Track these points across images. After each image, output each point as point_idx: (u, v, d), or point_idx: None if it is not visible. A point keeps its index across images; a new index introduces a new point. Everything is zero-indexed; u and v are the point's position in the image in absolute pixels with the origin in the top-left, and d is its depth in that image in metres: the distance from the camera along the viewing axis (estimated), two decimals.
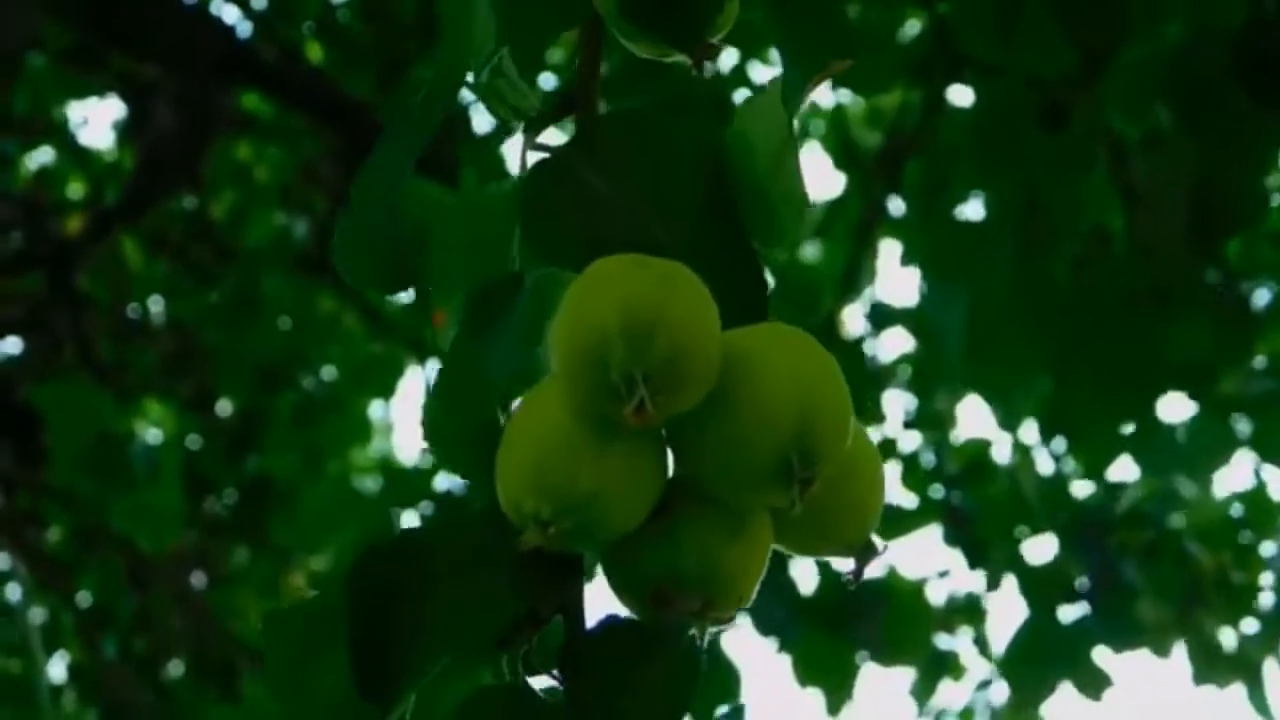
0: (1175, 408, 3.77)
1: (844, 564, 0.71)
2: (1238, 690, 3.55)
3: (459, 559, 0.67)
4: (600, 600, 0.71)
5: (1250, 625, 3.60)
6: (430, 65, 0.80)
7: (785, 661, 3.61)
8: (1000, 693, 3.90)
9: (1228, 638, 3.57)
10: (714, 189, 0.71)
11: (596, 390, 0.63)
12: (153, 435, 4.05)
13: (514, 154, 0.79)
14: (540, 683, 0.68)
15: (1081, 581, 3.61)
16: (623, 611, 0.69)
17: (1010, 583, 3.76)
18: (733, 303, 0.65)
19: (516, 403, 0.67)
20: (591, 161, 0.74)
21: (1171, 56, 2.47)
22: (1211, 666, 3.49)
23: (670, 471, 0.68)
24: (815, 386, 0.65)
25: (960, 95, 3.22)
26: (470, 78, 0.79)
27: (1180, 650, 3.54)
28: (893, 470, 3.87)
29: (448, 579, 0.66)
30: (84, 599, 3.33)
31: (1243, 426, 3.45)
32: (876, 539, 0.70)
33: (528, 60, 0.79)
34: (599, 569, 0.69)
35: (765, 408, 0.64)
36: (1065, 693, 3.52)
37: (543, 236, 0.72)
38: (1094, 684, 3.46)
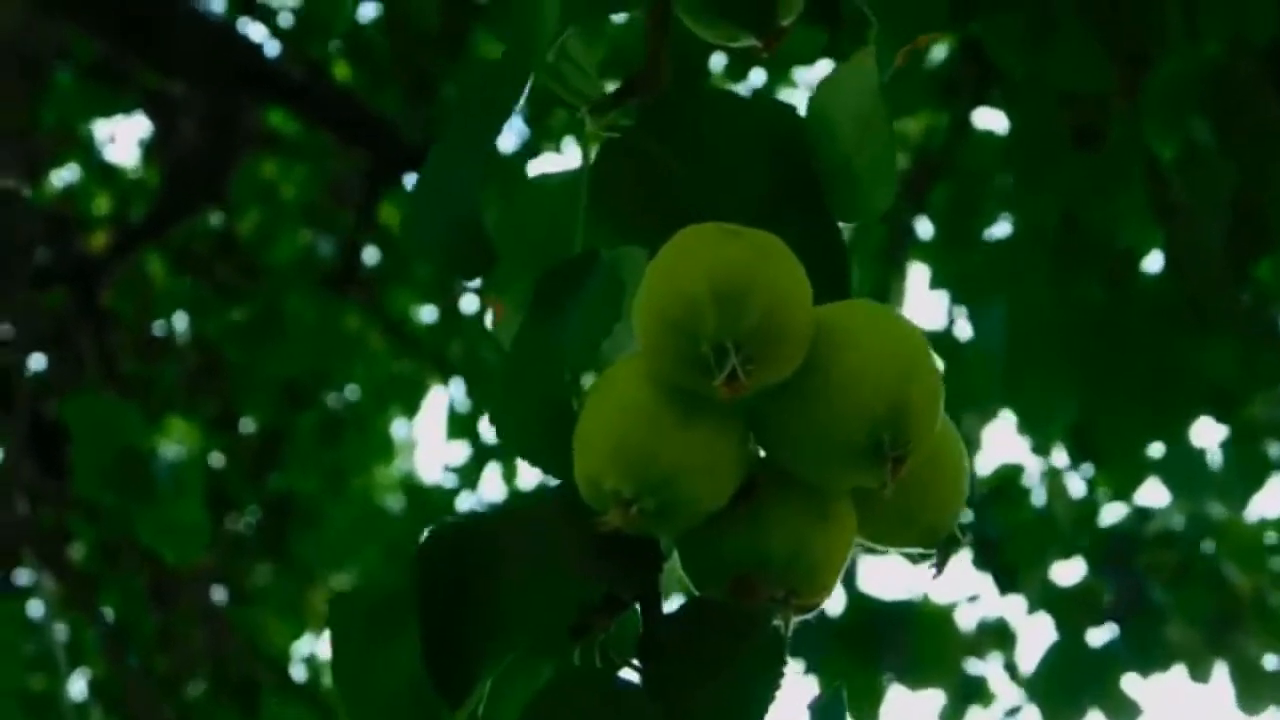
0: (1207, 432, 3.75)
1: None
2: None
3: (532, 544, 0.64)
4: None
5: None
6: (464, 74, 0.79)
7: (813, 683, 3.58)
8: (1029, 719, 3.86)
9: (1270, 661, 3.53)
10: (789, 163, 0.69)
11: (684, 362, 0.60)
12: (175, 452, 4.03)
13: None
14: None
15: (1109, 603, 3.58)
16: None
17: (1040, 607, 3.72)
18: (813, 279, 0.63)
19: (591, 383, 0.65)
20: (662, 139, 0.72)
21: (1208, 70, 2.45)
22: (1254, 689, 3.45)
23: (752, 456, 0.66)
24: (909, 363, 0.62)
25: (986, 118, 3.21)
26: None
27: (1219, 674, 3.50)
28: None
29: (520, 564, 0.64)
30: (107, 615, 3.31)
31: (1275, 451, 3.41)
32: (959, 530, 0.68)
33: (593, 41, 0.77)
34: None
35: (857, 383, 0.62)
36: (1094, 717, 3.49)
37: (613, 215, 0.70)
38: (1124, 712, 3.43)
